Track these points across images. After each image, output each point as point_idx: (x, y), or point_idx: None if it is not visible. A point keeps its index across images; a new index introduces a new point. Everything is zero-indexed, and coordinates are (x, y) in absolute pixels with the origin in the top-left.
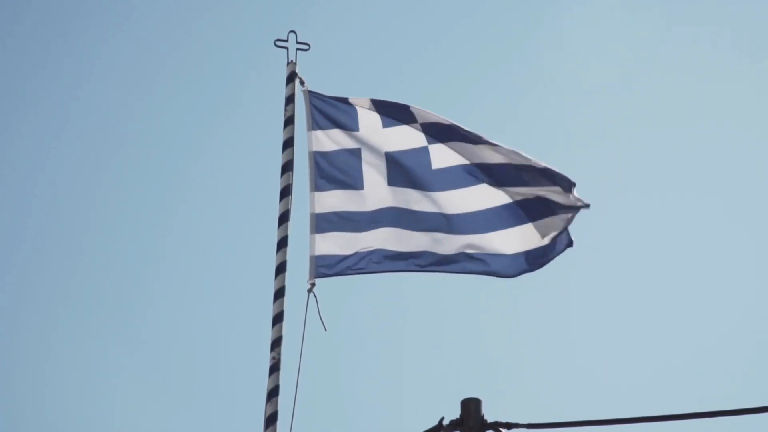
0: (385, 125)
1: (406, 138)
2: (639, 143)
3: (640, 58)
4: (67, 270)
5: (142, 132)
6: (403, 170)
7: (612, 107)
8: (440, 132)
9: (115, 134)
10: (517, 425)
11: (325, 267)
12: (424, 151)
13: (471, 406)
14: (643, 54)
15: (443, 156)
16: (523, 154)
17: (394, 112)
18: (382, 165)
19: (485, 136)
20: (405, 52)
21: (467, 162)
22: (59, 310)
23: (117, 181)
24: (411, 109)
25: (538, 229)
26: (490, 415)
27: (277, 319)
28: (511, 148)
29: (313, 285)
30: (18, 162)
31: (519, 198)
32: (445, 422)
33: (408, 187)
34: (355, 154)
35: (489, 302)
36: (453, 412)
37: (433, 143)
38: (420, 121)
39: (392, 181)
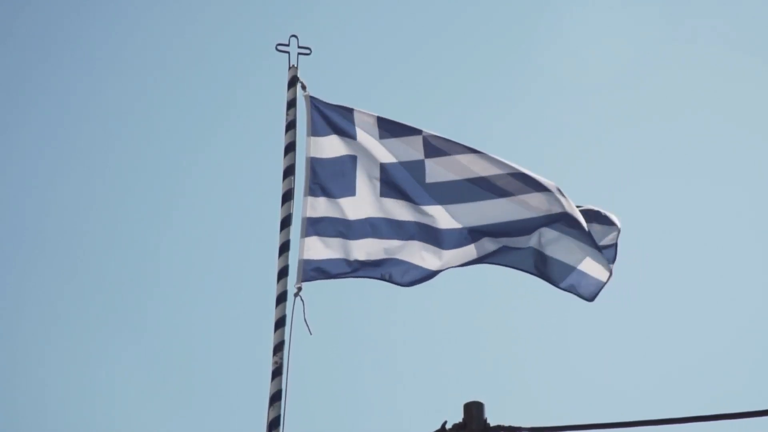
0: (381, 137)
1: (401, 150)
2: (638, 141)
3: (639, 55)
4: (68, 274)
5: (144, 135)
6: (395, 181)
7: (611, 104)
8: (442, 146)
9: (118, 137)
10: (519, 429)
11: (313, 271)
12: (420, 164)
13: (474, 409)
14: (642, 51)
15: (439, 170)
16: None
17: (398, 132)
18: (376, 175)
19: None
20: (405, 55)
21: (464, 178)
22: (60, 316)
23: (119, 183)
24: (423, 135)
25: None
26: (492, 418)
27: (279, 323)
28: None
29: (299, 289)
30: (18, 159)
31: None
32: (448, 426)
33: (399, 198)
34: (351, 161)
35: (491, 305)
36: (456, 416)
37: (431, 157)
38: (424, 134)
39: (384, 192)
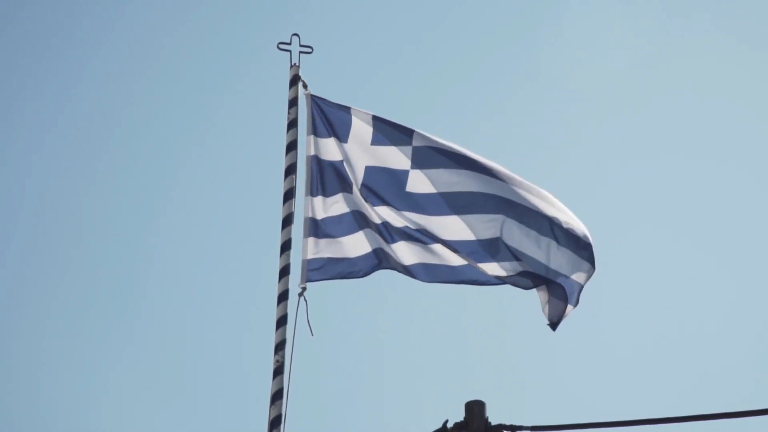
0: (373, 142)
1: (390, 158)
2: (639, 135)
3: (640, 49)
4: (68, 274)
5: (145, 133)
6: (377, 187)
7: (611, 100)
8: (430, 158)
9: (118, 135)
10: (521, 428)
11: (315, 271)
12: (404, 174)
13: (475, 408)
14: (644, 46)
15: (421, 182)
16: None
17: (390, 133)
18: (359, 180)
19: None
20: (406, 54)
21: (444, 191)
22: (57, 314)
23: (120, 181)
24: (414, 133)
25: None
26: (494, 417)
27: (281, 322)
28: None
29: (303, 289)
30: (15, 153)
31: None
32: (450, 425)
33: (380, 205)
34: (344, 165)
35: (493, 305)
36: (457, 415)
37: (416, 168)
38: (414, 143)
39: (366, 198)
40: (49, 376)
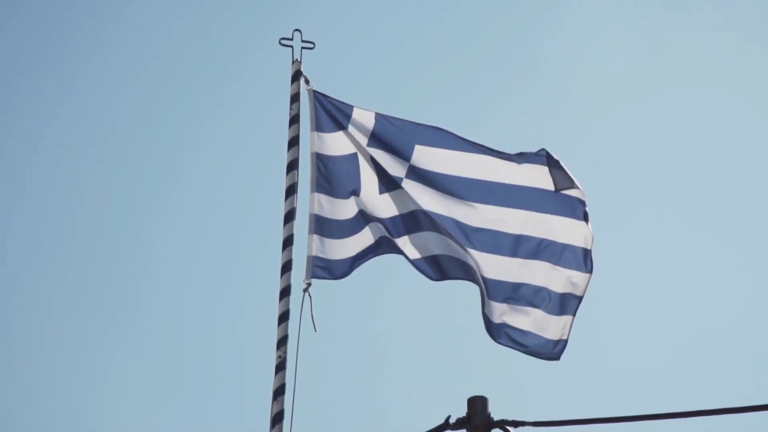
0: (369, 144)
1: (385, 163)
2: (639, 132)
3: (640, 46)
4: (69, 270)
5: (147, 129)
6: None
7: (613, 95)
8: (425, 176)
9: (120, 131)
10: (523, 423)
11: (321, 268)
12: (398, 180)
13: (477, 404)
14: (644, 42)
15: (413, 193)
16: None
17: (390, 137)
18: (373, 172)
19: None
20: (408, 49)
21: (429, 210)
22: (57, 310)
23: (121, 178)
24: (416, 145)
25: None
26: (496, 413)
27: (283, 317)
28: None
29: (308, 285)
30: (15, 153)
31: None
32: (452, 420)
33: (394, 189)
34: (354, 159)
35: None
36: (460, 411)
37: (409, 180)
38: (412, 162)
39: (381, 189)
40: (50, 370)
